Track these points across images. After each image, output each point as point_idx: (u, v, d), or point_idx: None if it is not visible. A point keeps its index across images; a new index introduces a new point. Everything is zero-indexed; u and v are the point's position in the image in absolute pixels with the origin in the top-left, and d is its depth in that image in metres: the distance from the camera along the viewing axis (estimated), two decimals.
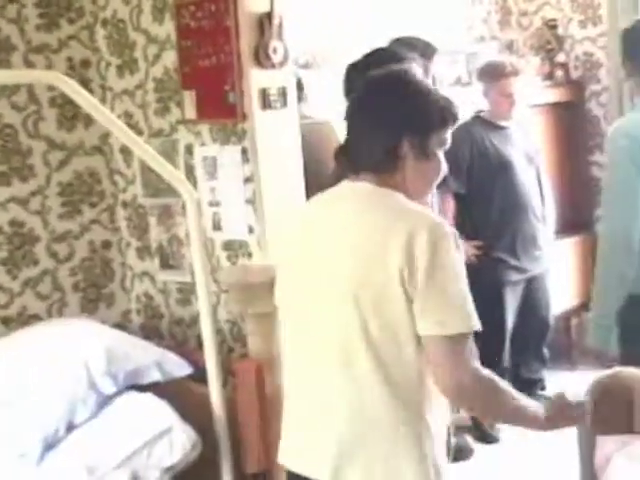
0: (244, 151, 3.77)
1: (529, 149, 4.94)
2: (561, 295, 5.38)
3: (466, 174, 4.75)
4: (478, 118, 4.88)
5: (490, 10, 5.91)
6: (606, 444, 2.62)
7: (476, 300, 5.09)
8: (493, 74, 4.80)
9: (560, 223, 5.53)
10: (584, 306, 5.35)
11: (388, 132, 2.21)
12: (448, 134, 2.31)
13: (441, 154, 2.28)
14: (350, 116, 2.30)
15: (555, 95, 5.71)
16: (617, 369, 2.77)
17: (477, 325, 2.14)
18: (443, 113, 2.28)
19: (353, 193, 2.24)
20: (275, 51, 3.73)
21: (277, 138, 3.77)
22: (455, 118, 2.32)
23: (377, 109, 2.25)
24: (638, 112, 3.30)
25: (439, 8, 5.60)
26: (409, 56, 3.47)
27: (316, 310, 2.21)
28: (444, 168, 2.29)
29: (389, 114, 2.22)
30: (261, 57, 3.71)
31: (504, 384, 2.19)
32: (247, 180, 3.78)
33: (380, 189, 2.20)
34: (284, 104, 3.78)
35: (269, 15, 3.70)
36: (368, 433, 2.13)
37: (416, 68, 2.69)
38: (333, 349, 2.16)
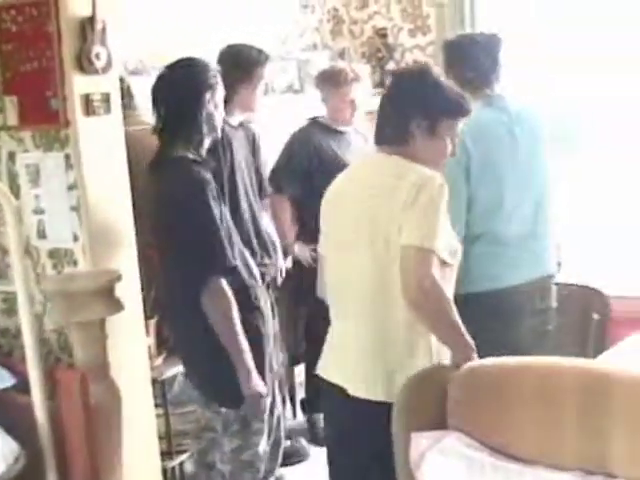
0: (68, 158, 3.71)
1: None
2: None
3: (303, 178, 4.77)
4: (316, 123, 4.91)
5: (322, 18, 5.99)
6: (420, 440, 2.68)
7: (311, 301, 5.16)
8: (335, 80, 4.83)
9: None
10: None
11: (403, 112, 2.84)
12: (457, 124, 2.92)
13: (448, 139, 2.89)
14: (381, 98, 3.01)
15: None
16: (430, 367, 2.84)
17: (440, 249, 2.72)
18: (454, 104, 2.89)
19: (372, 159, 3.02)
20: (98, 57, 3.68)
21: (101, 144, 3.73)
22: (465, 111, 2.92)
23: (398, 93, 2.91)
24: None
25: (271, 15, 5.63)
26: (211, 64, 3.53)
27: (350, 249, 2.87)
28: (448, 151, 2.91)
29: (406, 97, 2.86)
30: (84, 63, 3.65)
31: None
32: (71, 187, 3.72)
33: (392, 156, 2.86)
34: (108, 110, 3.74)
35: (91, 20, 3.66)
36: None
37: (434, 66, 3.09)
38: (365, 280, 2.82)
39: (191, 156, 3.37)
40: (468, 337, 2.80)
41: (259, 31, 5.53)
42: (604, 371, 2.61)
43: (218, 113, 3.48)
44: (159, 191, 3.39)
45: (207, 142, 3.49)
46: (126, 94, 4.28)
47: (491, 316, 3.36)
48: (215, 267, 3.26)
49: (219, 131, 3.56)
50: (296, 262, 4.80)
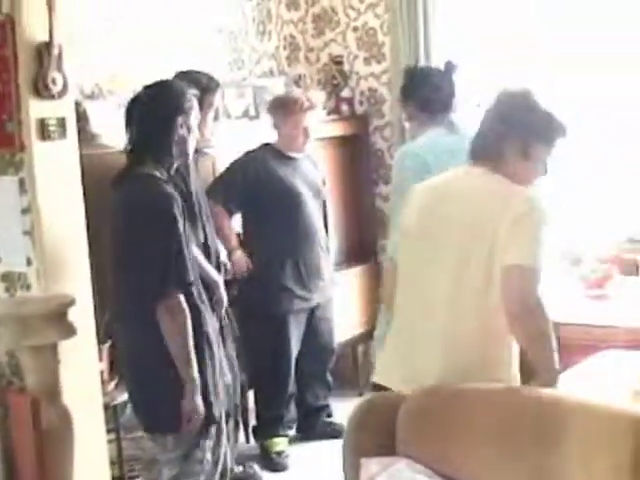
0: (22, 182, 3.72)
1: (317, 181, 5.05)
2: (347, 323, 5.54)
3: (243, 198, 4.80)
4: (268, 147, 4.93)
5: (279, 45, 6.04)
6: (370, 466, 2.70)
7: (262, 328, 5.19)
8: (289, 108, 4.86)
9: (345, 253, 5.71)
10: (369, 334, 5.53)
11: (500, 132, 2.90)
12: (552, 148, 2.95)
13: (544, 161, 2.94)
14: (482, 117, 3.00)
15: (341, 129, 5.89)
16: (380, 393, 2.87)
17: (542, 267, 2.77)
18: (549, 130, 2.93)
19: (468, 174, 2.97)
20: (54, 82, 3.71)
21: (56, 169, 3.75)
22: (562, 134, 2.94)
23: (498, 112, 2.95)
24: (422, 137, 3.58)
25: (228, 41, 5.67)
26: (189, 89, 3.53)
27: (431, 263, 2.90)
28: (540, 173, 2.96)
29: (505, 118, 2.91)
30: (40, 87, 3.68)
31: None
32: (25, 211, 3.73)
33: (489, 173, 2.89)
34: (63, 135, 3.76)
35: (48, 45, 3.68)
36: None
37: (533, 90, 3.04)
38: (443, 296, 2.84)
39: (159, 174, 3.38)
40: (557, 361, 2.83)
41: (215, 56, 5.58)
42: (556, 398, 2.64)
43: (191, 138, 3.49)
44: (123, 204, 3.39)
45: (176, 164, 3.50)
46: (82, 118, 4.29)
47: None
48: (175, 280, 3.27)
49: (190, 155, 3.56)
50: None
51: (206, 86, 4.22)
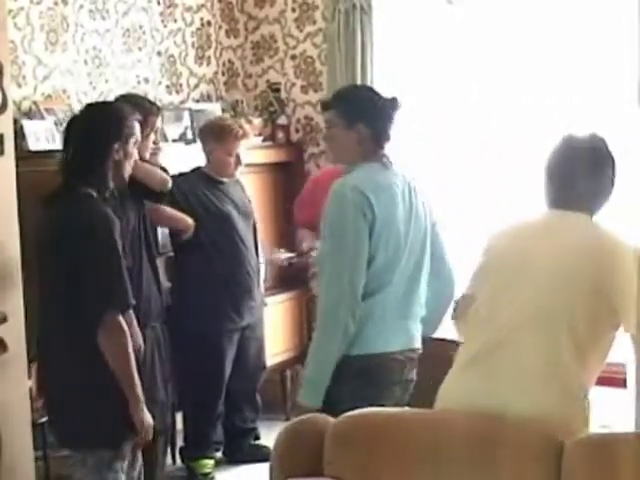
0: None
1: (246, 205, 5.12)
2: (276, 347, 5.59)
3: None
4: (199, 172, 4.99)
5: (217, 70, 6.10)
6: None
7: (195, 349, 5.20)
8: (223, 136, 4.91)
9: (277, 278, 5.75)
10: (298, 359, 5.58)
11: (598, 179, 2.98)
12: None
13: None
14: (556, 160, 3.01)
15: (275, 155, 5.97)
16: (309, 415, 2.92)
17: None
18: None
19: (566, 220, 2.98)
20: None
21: None
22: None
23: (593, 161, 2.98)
24: (361, 172, 3.39)
25: (167, 64, 5.72)
26: (131, 114, 3.56)
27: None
28: None
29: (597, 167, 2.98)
30: None
31: None
32: None
33: (588, 221, 2.95)
34: (1, 152, 3.77)
35: None
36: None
37: None
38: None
39: (95, 194, 3.39)
40: None
41: (154, 79, 5.63)
42: (484, 422, 2.71)
43: (128, 162, 3.49)
44: (58, 223, 3.37)
45: (111, 186, 3.50)
46: (19, 136, 4.30)
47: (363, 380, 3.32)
48: (114, 302, 3.28)
49: (126, 179, 3.57)
50: None
51: (148, 109, 4.28)
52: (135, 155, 3.55)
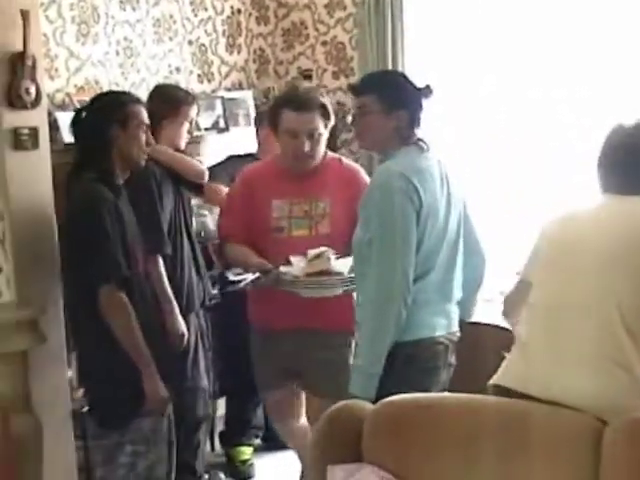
0: None
1: None
2: None
3: None
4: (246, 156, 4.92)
5: (248, 58, 6.10)
6: (336, 473, 2.74)
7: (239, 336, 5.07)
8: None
9: None
10: None
11: None
12: None
13: None
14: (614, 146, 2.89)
15: None
16: (348, 401, 2.93)
17: None
18: None
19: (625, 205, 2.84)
20: (28, 92, 3.74)
21: (28, 178, 3.78)
22: None
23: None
24: (400, 158, 3.34)
25: (197, 54, 5.73)
26: (129, 99, 3.59)
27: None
28: None
29: None
30: (13, 97, 3.71)
31: None
32: None
33: None
34: (36, 145, 3.79)
35: (22, 55, 3.71)
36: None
37: None
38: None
39: (95, 178, 3.45)
40: None
41: (185, 69, 5.64)
42: (522, 408, 2.71)
43: (136, 146, 3.52)
44: (67, 210, 3.53)
45: (123, 173, 3.54)
46: (53, 128, 4.33)
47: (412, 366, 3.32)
48: (104, 276, 3.33)
49: (140, 162, 3.59)
50: None
51: (183, 98, 4.31)
52: (144, 139, 3.53)
